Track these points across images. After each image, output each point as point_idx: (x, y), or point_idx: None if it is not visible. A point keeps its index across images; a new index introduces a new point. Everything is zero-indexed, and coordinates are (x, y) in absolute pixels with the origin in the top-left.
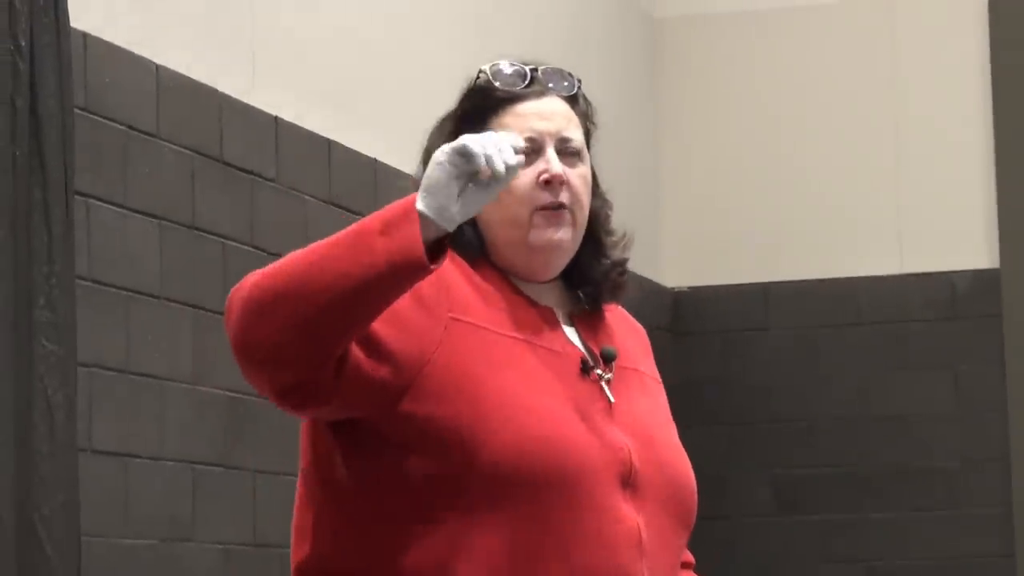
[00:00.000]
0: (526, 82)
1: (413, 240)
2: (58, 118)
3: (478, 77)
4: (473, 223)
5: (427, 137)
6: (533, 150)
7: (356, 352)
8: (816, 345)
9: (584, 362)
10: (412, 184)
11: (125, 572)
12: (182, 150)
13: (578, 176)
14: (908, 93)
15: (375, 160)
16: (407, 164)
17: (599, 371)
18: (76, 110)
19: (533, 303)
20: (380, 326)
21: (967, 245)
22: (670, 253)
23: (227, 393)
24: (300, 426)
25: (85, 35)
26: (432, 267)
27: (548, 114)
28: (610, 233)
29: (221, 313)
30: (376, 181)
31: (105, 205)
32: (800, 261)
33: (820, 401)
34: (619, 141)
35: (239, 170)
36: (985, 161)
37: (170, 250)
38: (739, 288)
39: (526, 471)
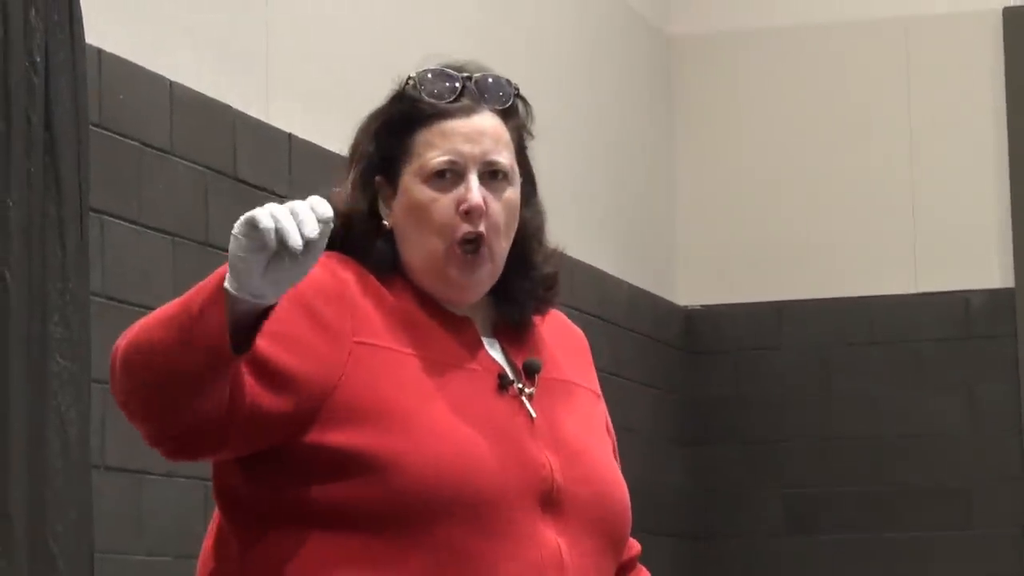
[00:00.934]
0: (455, 95)
1: (219, 328)
2: (73, 134)
3: (407, 83)
4: (390, 233)
5: (354, 133)
6: (456, 173)
7: (253, 388)
8: (830, 364)
9: (502, 377)
10: (331, 196)
11: None
12: (196, 167)
13: (501, 205)
14: (923, 112)
15: None
16: None
17: (519, 385)
18: (91, 127)
19: (450, 317)
20: (281, 354)
21: (982, 264)
22: (684, 272)
23: None
24: None
25: (100, 51)
26: (242, 357)
27: (475, 135)
28: (540, 245)
29: None
30: None
31: (119, 222)
32: (814, 280)
33: (833, 420)
34: (634, 160)
35: (252, 187)
36: (1000, 180)
37: (183, 267)
38: (752, 307)
39: (437, 497)
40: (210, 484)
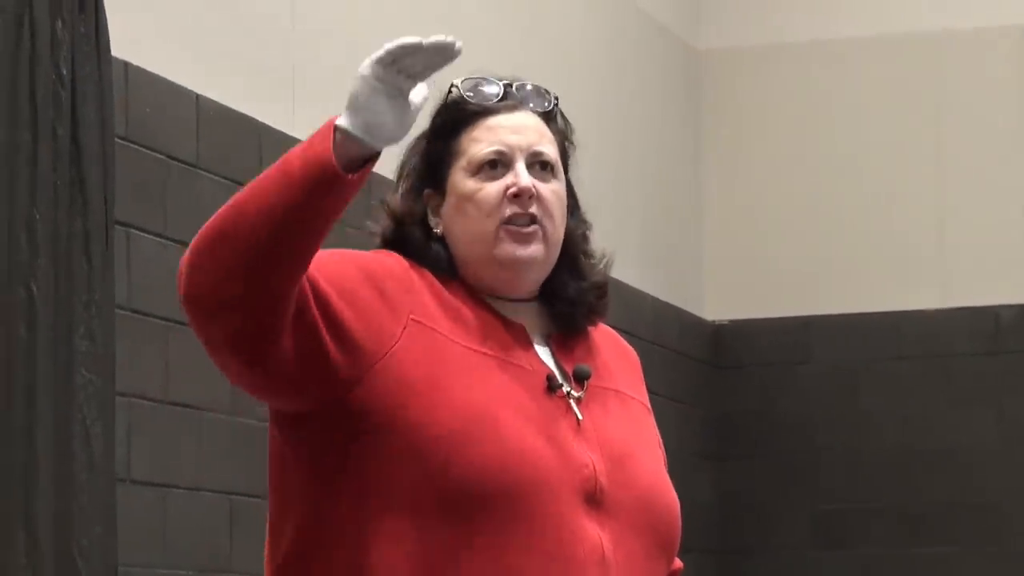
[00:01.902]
0: (499, 96)
1: (324, 152)
2: (99, 147)
3: (450, 92)
4: (441, 239)
5: (402, 155)
6: (503, 164)
7: (315, 315)
8: (858, 379)
9: (550, 379)
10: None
11: None
12: (222, 180)
13: (550, 191)
14: (952, 126)
15: None
16: None
17: (567, 389)
18: (117, 139)
19: (504, 320)
20: (345, 309)
21: (1011, 278)
22: (711, 286)
23: (265, 424)
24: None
25: (127, 64)
26: (350, 177)
27: (520, 127)
28: (588, 255)
29: None
30: None
31: (145, 234)
32: (842, 295)
33: (862, 435)
34: (661, 174)
35: None
36: None
37: None
38: (780, 322)
39: (479, 483)
40: (235, 498)
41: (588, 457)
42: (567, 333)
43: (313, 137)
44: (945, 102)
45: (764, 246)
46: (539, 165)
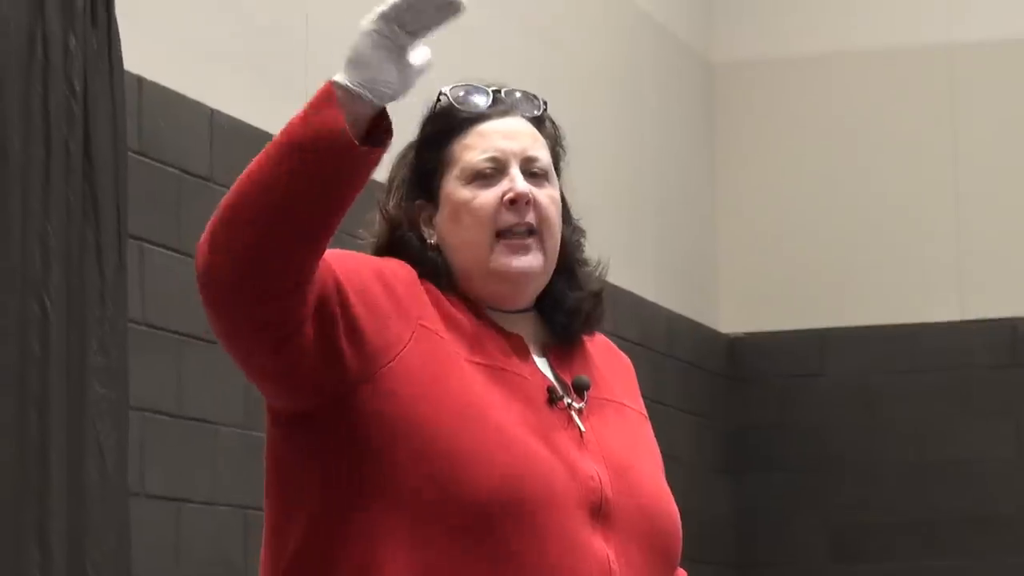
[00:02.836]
0: (489, 103)
1: (332, 120)
2: (111, 161)
3: (438, 100)
4: (438, 249)
5: (390, 168)
6: (497, 171)
7: (335, 309)
8: (873, 392)
9: (551, 391)
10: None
11: None
12: None
13: (546, 197)
14: (967, 137)
15: None
16: None
17: (568, 400)
18: (131, 154)
19: (502, 332)
20: (359, 306)
21: None
22: (727, 299)
23: None
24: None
25: (140, 79)
26: (364, 149)
27: (512, 133)
28: (583, 263)
29: None
30: None
31: (159, 249)
32: (858, 307)
33: (879, 448)
34: (676, 187)
35: None
36: None
37: None
38: (796, 334)
39: (486, 494)
40: (249, 512)
41: (593, 469)
42: (564, 343)
43: (311, 102)
44: (961, 114)
45: (779, 258)
46: (533, 171)
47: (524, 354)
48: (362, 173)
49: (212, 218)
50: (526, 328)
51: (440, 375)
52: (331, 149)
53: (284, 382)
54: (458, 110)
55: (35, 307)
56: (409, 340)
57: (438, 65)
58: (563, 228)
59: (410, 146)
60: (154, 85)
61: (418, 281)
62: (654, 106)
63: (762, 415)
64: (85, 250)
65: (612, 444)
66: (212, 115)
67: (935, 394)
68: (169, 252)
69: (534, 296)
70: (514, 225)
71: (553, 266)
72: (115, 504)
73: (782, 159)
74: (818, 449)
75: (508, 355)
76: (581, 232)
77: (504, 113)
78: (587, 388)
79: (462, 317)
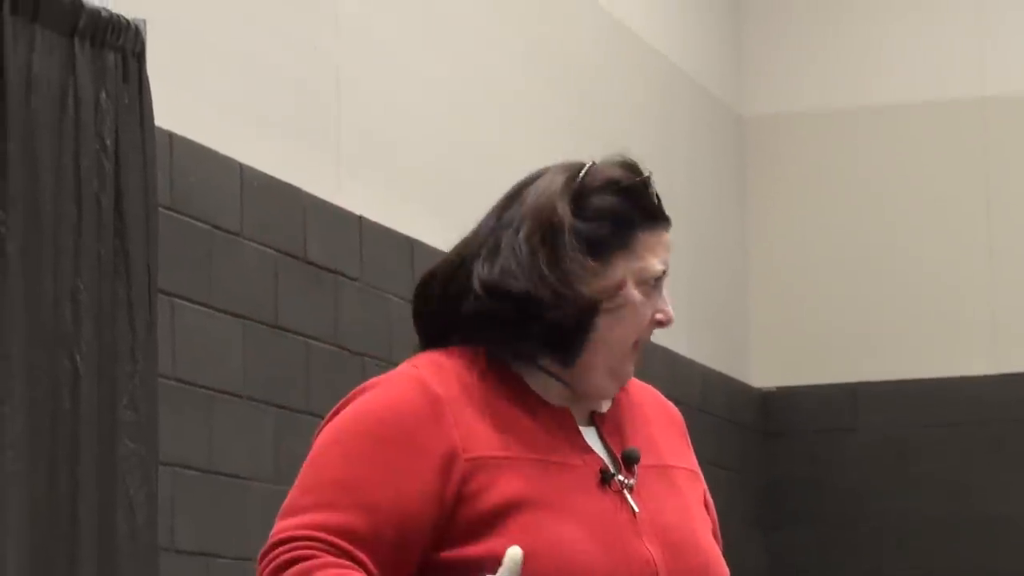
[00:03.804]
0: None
1: None
2: (142, 216)
3: (636, 177)
4: (589, 313)
5: (533, 196)
6: (658, 282)
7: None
8: (907, 447)
9: (603, 472)
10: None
11: None
12: (266, 249)
13: None
14: (1000, 190)
15: None
16: None
17: (620, 478)
18: (161, 209)
19: (549, 409)
20: (391, 519)
21: None
22: (759, 353)
23: None
24: None
25: (171, 135)
26: None
27: (668, 244)
28: None
29: (304, 413)
30: None
31: (189, 304)
32: (891, 361)
33: (912, 503)
34: (708, 241)
35: (323, 269)
36: None
37: (253, 349)
38: (828, 388)
39: None
40: None
41: (648, 552)
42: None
43: None
44: (993, 167)
45: (811, 312)
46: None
47: (572, 431)
48: None
49: None
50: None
51: (499, 501)
52: None
53: None
54: (649, 199)
55: (66, 362)
56: (460, 484)
57: (463, 119)
58: None
59: (562, 192)
60: (184, 140)
61: (445, 405)
62: (685, 159)
63: (795, 469)
64: (116, 306)
65: (666, 518)
66: (242, 170)
67: (969, 448)
68: (200, 307)
69: None
70: (647, 341)
71: None
72: (145, 559)
73: (814, 212)
74: (851, 504)
75: (557, 440)
76: None
77: (667, 222)
78: (637, 461)
79: (508, 402)
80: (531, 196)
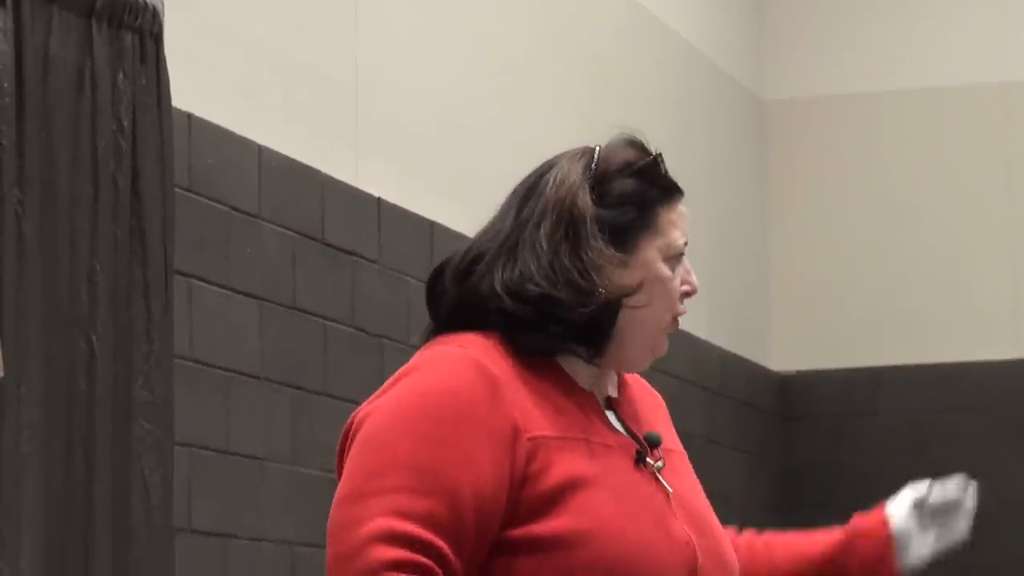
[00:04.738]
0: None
1: None
2: (159, 198)
3: (650, 158)
4: (607, 304)
5: (552, 190)
6: (681, 255)
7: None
8: (927, 431)
9: (640, 453)
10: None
11: None
12: (284, 231)
13: None
14: (1021, 174)
15: None
16: None
17: (650, 460)
18: (180, 190)
19: (580, 393)
20: (468, 500)
21: None
22: (778, 337)
23: (327, 474)
24: None
25: (189, 116)
26: None
27: (685, 214)
28: None
29: (321, 394)
30: None
31: (207, 285)
32: (910, 345)
33: None
34: (728, 225)
35: (341, 251)
36: None
37: (271, 331)
38: (848, 372)
39: None
40: (296, 548)
41: (685, 533)
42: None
43: None
44: (1014, 150)
45: (831, 296)
46: None
47: (601, 416)
48: None
49: None
50: (591, 378)
51: (560, 479)
52: None
53: None
54: (664, 175)
55: (82, 344)
56: (526, 463)
57: (480, 102)
58: None
59: (581, 181)
60: (203, 122)
61: (503, 386)
62: (705, 143)
63: (814, 454)
64: (132, 287)
65: (690, 501)
66: (261, 152)
67: (990, 433)
68: (218, 289)
69: None
70: (681, 314)
71: None
72: (160, 540)
73: (834, 196)
74: (870, 488)
75: (593, 422)
76: None
77: (681, 193)
78: (659, 444)
79: (548, 388)
80: (550, 188)
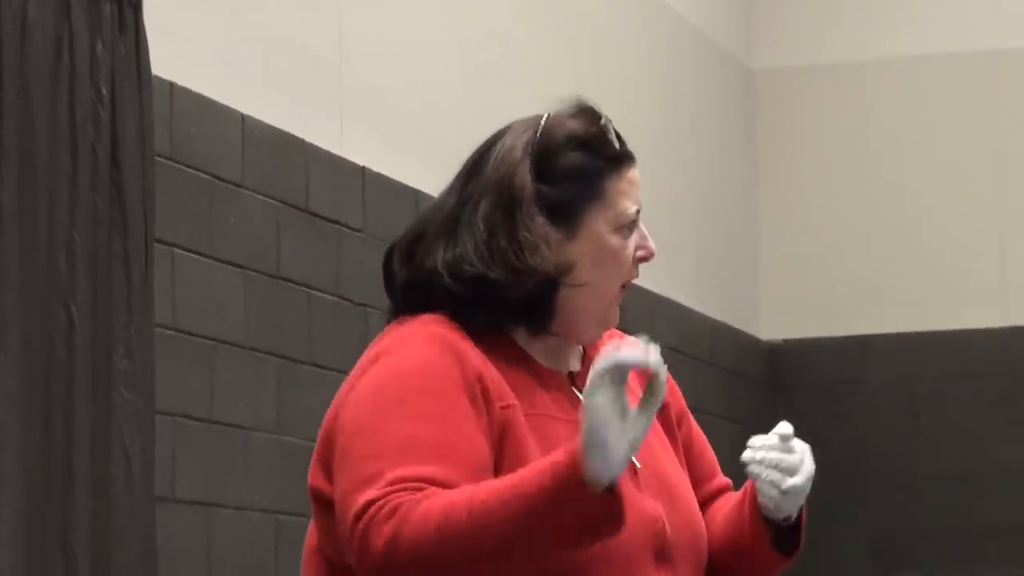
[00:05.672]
0: (624, 143)
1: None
2: (138, 167)
3: (595, 126)
4: (549, 281)
5: (497, 169)
6: (634, 223)
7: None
8: (916, 399)
9: None
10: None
11: None
12: (268, 200)
13: None
14: (1013, 143)
15: None
16: None
17: None
18: (162, 159)
19: (545, 372)
20: (475, 444)
21: None
22: (767, 306)
23: (311, 443)
24: None
25: (171, 85)
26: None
27: (636, 180)
28: None
29: (306, 363)
30: None
31: (190, 255)
32: (900, 313)
33: (921, 456)
34: (716, 194)
35: (325, 220)
36: None
37: (255, 300)
38: (837, 341)
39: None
40: (280, 518)
41: (653, 508)
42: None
43: (585, 519)
44: (1006, 120)
45: (820, 265)
46: None
47: (568, 393)
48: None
49: (433, 547)
50: (555, 355)
51: (529, 450)
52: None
53: None
54: (611, 145)
55: (61, 313)
56: (501, 431)
57: (466, 71)
58: None
59: (522, 157)
60: (185, 91)
61: (470, 359)
62: (694, 113)
63: (803, 422)
64: (112, 256)
65: (660, 472)
66: (244, 120)
67: (978, 401)
68: (200, 258)
69: None
70: (632, 280)
71: None
72: (140, 510)
73: (824, 165)
74: (860, 457)
75: (558, 399)
76: None
77: (632, 159)
78: None
79: (510, 365)
80: (491, 165)
